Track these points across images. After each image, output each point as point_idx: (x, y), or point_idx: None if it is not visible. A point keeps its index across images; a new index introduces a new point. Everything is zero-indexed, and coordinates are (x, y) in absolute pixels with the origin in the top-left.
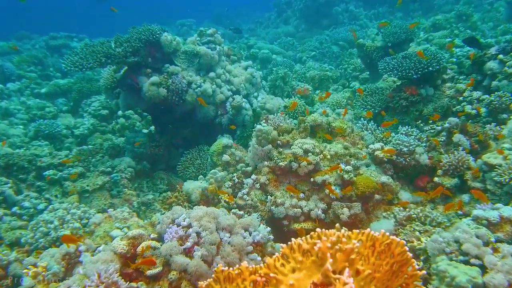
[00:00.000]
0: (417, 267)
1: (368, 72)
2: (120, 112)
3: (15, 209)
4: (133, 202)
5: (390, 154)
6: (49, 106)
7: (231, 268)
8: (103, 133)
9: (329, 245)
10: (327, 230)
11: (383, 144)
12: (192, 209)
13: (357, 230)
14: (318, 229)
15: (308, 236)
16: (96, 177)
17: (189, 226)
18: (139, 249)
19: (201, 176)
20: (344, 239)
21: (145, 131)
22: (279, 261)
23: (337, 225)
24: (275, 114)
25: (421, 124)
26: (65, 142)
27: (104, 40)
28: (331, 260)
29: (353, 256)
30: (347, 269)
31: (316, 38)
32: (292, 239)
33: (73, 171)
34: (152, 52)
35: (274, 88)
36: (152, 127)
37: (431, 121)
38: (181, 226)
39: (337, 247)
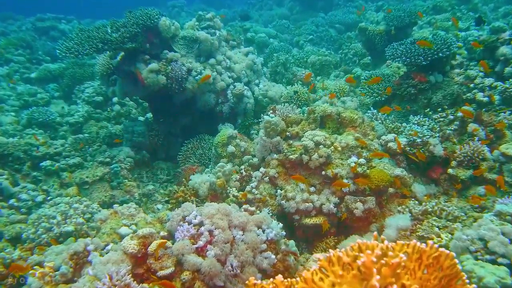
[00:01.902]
0: (467, 281)
1: (369, 57)
2: (115, 99)
3: (12, 201)
4: (134, 193)
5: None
6: (41, 92)
7: (264, 282)
8: (97, 120)
9: (374, 259)
10: (368, 242)
11: (395, 135)
12: (200, 204)
13: (402, 242)
14: (358, 240)
15: (348, 248)
16: (95, 168)
17: (201, 224)
18: (150, 248)
19: (207, 169)
20: (390, 253)
21: (141, 118)
22: (317, 275)
23: (375, 233)
24: (284, 104)
25: (430, 112)
26: (60, 130)
27: (99, 25)
28: (377, 276)
29: (399, 271)
30: (395, 286)
31: (312, 21)
32: (330, 250)
33: (70, 161)
34: (149, 38)
35: (275, 75)
36: (149, 114)
37: (440, 109)
38: (192, 224)
39: (382, 261)
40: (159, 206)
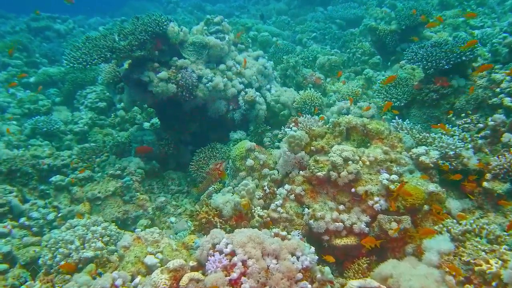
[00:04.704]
0: None
1: (378, 57)
2: (120, 105)
3: (23, 220)
4: (147, 208)
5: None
6: (43, 99)
7: None
8: (101, 127)
9: None
10: None
11: (427, 148)
12: (225, 225)
13: None
14: None
15: None
16: (107, 182)
17: (233, 253)
18: (182, 283)
19: (229, 187)
20: None
21: (146, 124)
22: None
23: None
24: (306, 114)
25: (453, 118)
26: (65, 139)
27: (106, 33)
28: None
29: None
30: None
31: (312, 17)
32: None
33: (78, 173)
34: (158, 45)
35: (284, 78)
36: (154, 120)
37: (463, 114)
38: (224, 254)
39: None
40: (172, 219)
